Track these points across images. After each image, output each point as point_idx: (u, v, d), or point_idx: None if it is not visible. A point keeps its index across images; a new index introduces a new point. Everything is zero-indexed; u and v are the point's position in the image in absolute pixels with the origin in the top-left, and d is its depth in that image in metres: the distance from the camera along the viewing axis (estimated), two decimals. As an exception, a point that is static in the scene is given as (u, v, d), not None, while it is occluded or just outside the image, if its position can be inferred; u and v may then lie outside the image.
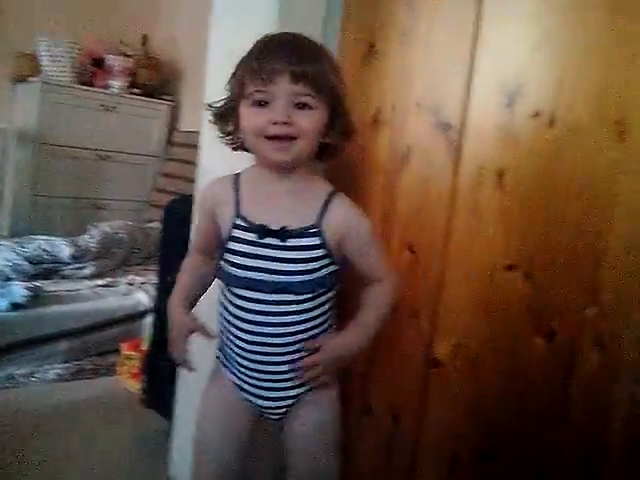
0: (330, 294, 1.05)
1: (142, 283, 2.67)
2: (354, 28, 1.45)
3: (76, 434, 1.80)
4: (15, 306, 2.19)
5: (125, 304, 2.49)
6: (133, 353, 2.17)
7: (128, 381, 2.14)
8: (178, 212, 1.77)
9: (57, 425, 1.85)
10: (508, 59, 1.20)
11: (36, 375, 2.16)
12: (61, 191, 3.57)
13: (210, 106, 1.02)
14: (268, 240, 0.96)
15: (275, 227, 0.96)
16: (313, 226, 0.98)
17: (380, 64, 1.42)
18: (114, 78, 3.68)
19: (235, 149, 1.04)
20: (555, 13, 1.13)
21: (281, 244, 0.96)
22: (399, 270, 1.37)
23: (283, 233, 0.96)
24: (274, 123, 0.92)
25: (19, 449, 1.68)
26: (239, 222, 0.98)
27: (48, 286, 2.44)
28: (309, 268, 0.97)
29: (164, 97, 3.93)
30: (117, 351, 2.28)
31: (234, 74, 0.98)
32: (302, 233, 0.97)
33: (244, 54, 0.98)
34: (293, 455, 1.07)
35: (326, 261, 0.99)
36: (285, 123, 0.92)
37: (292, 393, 1.04)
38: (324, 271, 1.00)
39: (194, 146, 3.35)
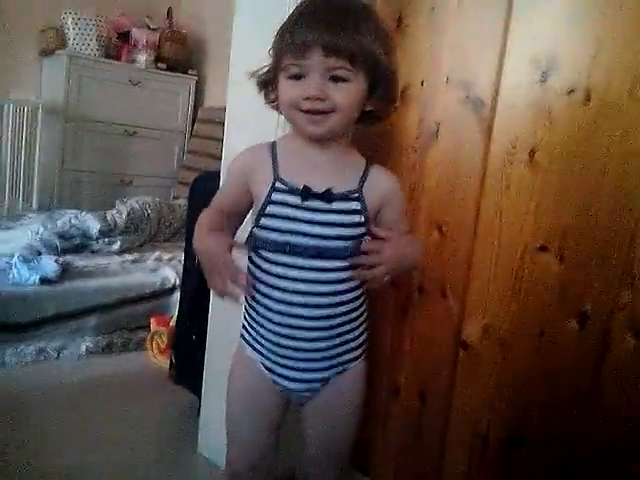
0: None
1: (169, 259, 2.69)
2: (383, 2, 1.41)
3: (106, 408, 1.84)
4: (45, 280, 2.23)
5: (153, 280, 2.51)
6: (161, 329, 2.20)
7: (157, 356, 2.18)
8: (204, 188, 1.77)
9: (87, 398, 1.89)
10: (541, 33, 1.15)
11: (67, 349, 2.20)
12: (88, 166, 3.61)
13: (253, 74, 0.99)
14: (311, 203, 0.93)
15: (318, 190, 0.94)
16: (355, 191, 0.97)
17: (409, 39, 1.38)
18: (140, 52, 3.67)
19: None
20: (594, -16, 1.08)
21: (324, 207, 0.94)
22: (428, 250, 1.35)
23: (328, 195, 0.94)
24: (307, 98, 0.90)
25: (51, 422, 1.71)
26: (279, 185, 0.95)
27: (77, 261, 2.47)
28: (348, 234, 0.95)
29: (189, 72, 3.91)
30: (146, 326, 2.31)
31: (273, 44, 0.95)
32: (345, 197, 0.96)
33: (273, 26, 0.94)
34: (313, 427, 1.06)
35: (363, 229, 0.97)
36: (318, 99, 0.90)
37: (323, 375, 1.01)
38: (360, 239, 0.97)
39: (218, 123, 3.37)
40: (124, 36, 3.71)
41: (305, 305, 0.95)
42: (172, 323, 2.14)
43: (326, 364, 1.00)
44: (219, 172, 1.47)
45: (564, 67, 1.12)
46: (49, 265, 2.27)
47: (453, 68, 1.30)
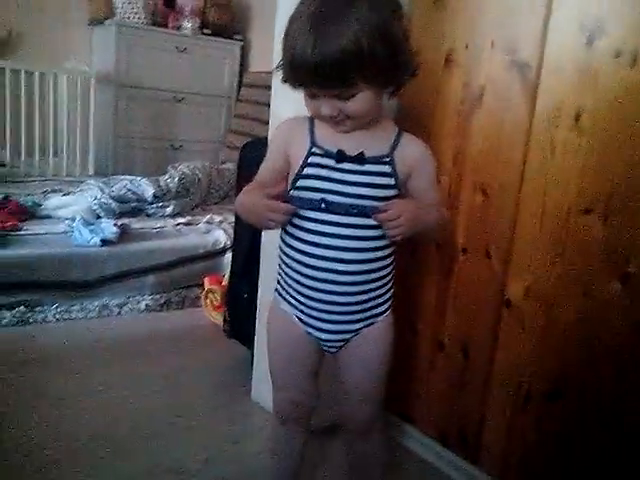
0: None
1: (220, 222, 2.79)
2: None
3: (165, 359, 1.97)
4: (106, 242, 2.37)
5: (205, 241, 2.63)
6: (215, 287, 2.31)
7: (211, 313, 2.30)
8: (252, 153, 1.84)
9: (148, 350, 2.03)
10: (589, -5, 1.16)
11: (128, 305, 2.35)
12: (139, 132, 3.73)
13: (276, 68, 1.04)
14: (345, 165, 1.01)
15: (352, 153, 1.01)
16: (386, 155, 1.03)
17: (453, 3, 1.39)
18: (185, 19, 3.73)
19: None
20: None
21: (357, 168, 1.00)
22: (472, 213, 1.40)
23: (361, 158, 1.01)
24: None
25: (115, 372, 1.86)
26: (315, 150, 1.03)
27: (134, 224, 2.60)
28: (379, 195, 1.01)
29: (234, 37, 3.95)
30: (200, 285, 2.44)
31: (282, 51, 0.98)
32: (377, 160, 1.02)
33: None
34: (347, 373, 1.13)
35: (393, 191, 1.03)
36: (332, 116, 0.98)
37: (354, 327, 1.08)
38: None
39: (264, 87, 3.42)
40: (170, 3, 3.77)
41: (339, 260, 1.01)
42: (224, 282, 2.25)
43: (356, 317, 1.07)
44: (267, 138, 1.53)
45: (610, 30, 1.12)
46: (109, 228, 2.41)
47: (498, 32, 1.31)
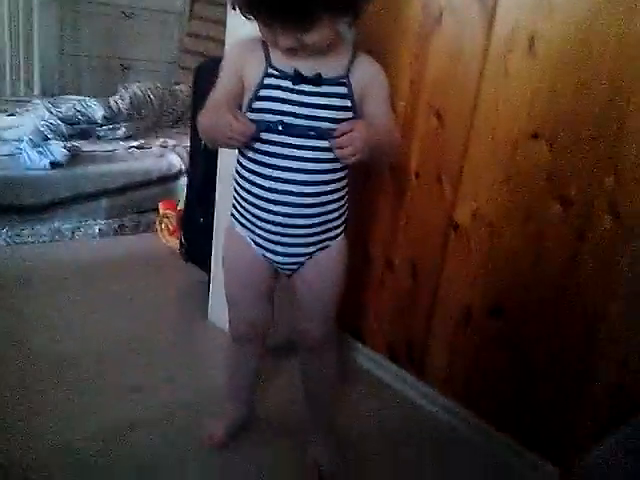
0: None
1: (174, 146, 2.73)
2: None
3: (120, 283, 1.97)
4: (56, 165, 2.29)
5: (159, 165, 2.57)
6: (170, 212, 2.30)
7: (166, 237, 2.29)
8: (208, 75, 1.79)
9: (102, 275, 2.03)
10: None
11: (80, 230, 2.31)
12: (88, 50, 3.54)
13: None
14: (302, 87, 1.00)
15: (309, 75, 1.00)
16: (343, 77, 1.02)
17: None
18: None
19: None
20: None
21: (314, 90, 1.00)
22: (426, 137, 1.41)
23: (318, 79, 1.00)
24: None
25: (67, 297, 1.85)
26: (271, 71, 1.01)
27: (84, 146, 2.52)
28: (337, 117, 1.01)
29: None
30: (155, 210, 2.42)
31: None
32: (333, 81, 1.02)
33: None
34: (301, 294, 1.17)
35: (349, 114, 1.02)
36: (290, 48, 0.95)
37: (308, 250, 1.11)
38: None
39: (219, 4, 3.26)
40: None
41: (294, 182, 1.03)
42: (179, 207, 2.24)
43: (310, 240, 1.09)
44: (222, 58, 1.49)
45: (568, -47, 1.12)
46: (58, 150, 2.32)
47: (459, -49, 1.29)
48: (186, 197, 2.01)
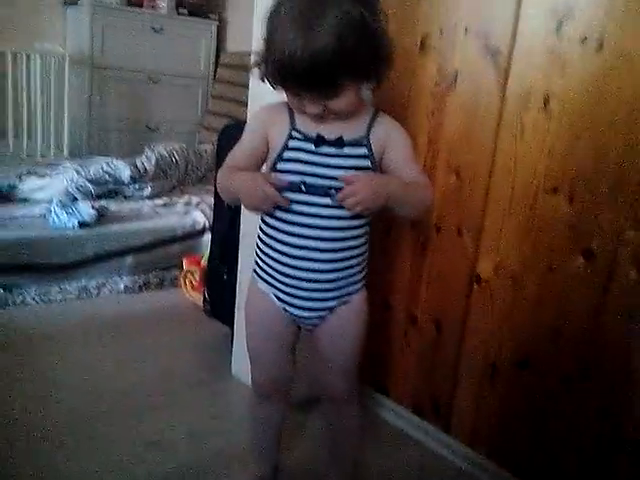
0: (369, 217, 1.10)
1: (198, 203, 2.81)
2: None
3: (145, 339, 1.99)
4: (83, 224, 2.37)
5: (184, 222, 2.64)
6: (193, 267, 2.34)
7: (190, 293, 2.32)
8: (232, 136, 1.86)
9: (127, 331, 2.05)
10: (558, -18, 1.20)
11: (106, 287, 2.36)
12: (115, 114, 3.70)
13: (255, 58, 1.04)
14: (324, 149, 1.04)
15: (331, 138, 1.04)
16: (364, 137, 1.06)
17: (430, -12, 1.43)
18: (161, -2, 3.70)
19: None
20: None
21: (336, 152, 1.04)
22: (445, 193, 1.44)
23: (339, 142, 1.04)
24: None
25: (94, 352, 1.88)
26: (295, 134, 1.06)
27: (111, 206, 2.60)
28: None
29: (210, 17, 3.92)
30: (179, 266, 2.46)
31: (264, 43, 0.99)
32: (354, 143, 1.06)
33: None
34: (323, 348, 1.17)
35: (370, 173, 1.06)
36: (317, 114, 1.00)
37: (329, 304, 1.12)
38: None
39: (241, 67, 3.41)
40: (145, -18, 3.73)
41: (315, 238, 1.05)
42: (203, 262, 2.28)
43: (332, 294, 1.11)
44: (246, 121, 1.55)
45: (578, 16, 1.17)
46: (86, 210, 2.41)
47: (471, 17, 1.35)
48: (210, 253, 2.05)
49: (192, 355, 1.94)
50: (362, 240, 1.11)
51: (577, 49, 1.18)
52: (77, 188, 2.60)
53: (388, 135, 1.08)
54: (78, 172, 2.66)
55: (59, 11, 3.72)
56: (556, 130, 1.23)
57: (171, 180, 2.99)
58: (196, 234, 2.65)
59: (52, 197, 2.49)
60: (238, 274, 1.73)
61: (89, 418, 1.52)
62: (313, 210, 1.04)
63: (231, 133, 1.89)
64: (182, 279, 2.37)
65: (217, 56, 3.95)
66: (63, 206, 2.41)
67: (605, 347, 1.19)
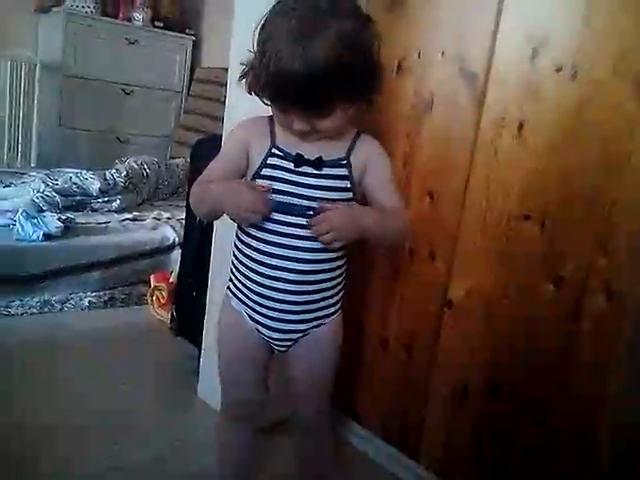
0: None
1: (168, 218, 2.76)
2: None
3: (108, 357, 1.93)
4: (48, 236, 2.30)
5: (153, 238, 2.59)
6: (161, 284, 2.29)
7: (157, 310, 2.27)
8: (205, 151, 1.83)
9: (90, 348, 1.98)
10: (534, 12, 1.22)
11: (70, 302, 2.29)
12: (85, 124, 3.63)
13: (243, 70, 1.02)
14: (304, 169, 1.02)
15: (310, 157, 1.02)
16: (343, 158, 1.04)
17: (406, 12, 1.44)
18: (137, 10, 3.67)
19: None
20: (585, -33, 1.14)
21: (315, 172, 1.02)
22: (419, 216, 1.44)
23: (319, 162, 1.02)
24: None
25: (54, 369, 1.81)
26: (275, 151, 1.04)
27: (79, 218, 2.53)
28: (335, 198, 1.03)
29: (186, 32, 3.91)
30: (146, 282, 2.40)
31: (255, 53, 0.96)
32: (334, 164, 1.04)
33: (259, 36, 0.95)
34: (295, 371, 1.15)
35: (348, 194, 1.04)
36: (303, 131, 0.99)
37: (303, 327, 1.09)
38: (347, 203, 1.04)
39: (216, 83, 3.39)
40: (121, -7, 3.70)
41: (291, 259, 1.03)
42: (172, 279, 2.23)
43: (306, 317, 1.09)
44: (220, 135, 1.53)
45: (553, 45, 1.18)
46: (52, 222, 2.34)
47: (449, 41, 1.36)
48: (179, 270, 2.01)
49: (157, 375, 1.89)
50: (338, 263, 1.09)
51: (552, 77, 1.19)
52: (43, 198, 2.53)
53: (369, 157, 1.07)
54: (45, 182, 2.60)
55: (31, 18, 3.65)
56: (529, 157, 1.24)
57: (141, 194, 2.94)
58: (165, 250, 2.60)
59: (17, 207, 2.42)
60: (208, 292, 1.70)
61: (47, 440, 1.46)
62: (289, 230, 1.02)
63: (205, 147, 1.87)
64: (149, 296, 2.32)
65: (192, 71, 3.92)
66: (29, 217, 2.34)
67: (575, 373, 1.19)
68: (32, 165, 3.50)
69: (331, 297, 1.10)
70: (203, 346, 1.74)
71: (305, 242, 1.03)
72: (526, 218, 1.25)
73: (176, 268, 2.12)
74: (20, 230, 2.27)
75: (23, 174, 2.83)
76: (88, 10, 3.49)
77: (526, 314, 1.26)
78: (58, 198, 2.57)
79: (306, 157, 1.02)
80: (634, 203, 1.10)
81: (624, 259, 1.11)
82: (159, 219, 2.75)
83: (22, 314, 2.16)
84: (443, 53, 1.37)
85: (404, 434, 1.51)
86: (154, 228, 2.67)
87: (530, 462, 1.27)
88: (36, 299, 2.24)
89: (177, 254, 2.41)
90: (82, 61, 3.51)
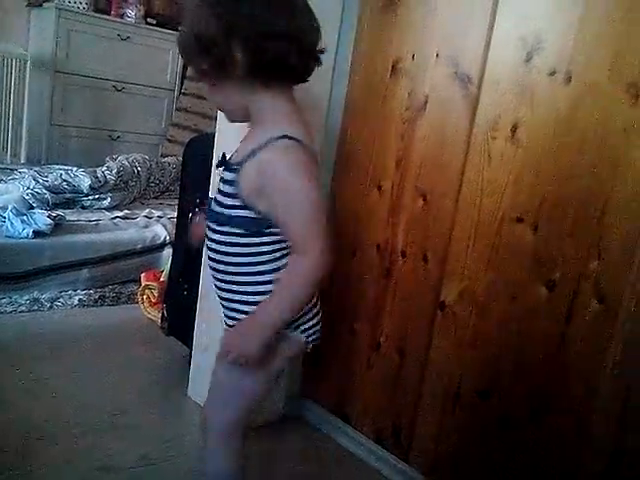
0: (265, 240, 0.97)
1: (159, 217, 2.75)
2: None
3: (98, 356, 1.92)
4: (37, 234, 2.28)
5: (144, 236, 2.57)
6: (152, 283, 2.27)
7: (148, 309, 2.25)
8: (198, 150, 1.83)
9: (80, 347, 1.96)
10: (529, 14, 1.22)
11: (60, 300, 2.27)
12: (76, 121, 3.61)
13: None
14: (221, 171, 1.01)
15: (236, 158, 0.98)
16: (240, 162, 0.95)
17: (401, 13, 1.43)
18: (129, 7, 3.65)
19: None
20: (580, -29, 1.14)
21: (222, 175, 1.00)
22: (412, 217, 1.44)
23: (224, 162, 1.00)
24: None
25: (44, 368, 1.79)
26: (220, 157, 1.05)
27: (69, 215, 2.52)
28: (228, 203, 0.96)
29: (179, 29, 3.88)
30: (137, 281, 2.38)
31: None
32: (230, 166, 0.97)
33: None
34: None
35: (237, 201, 0.95)
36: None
37: (227, 321, 1.06)
38: (235, 212, 0.96)
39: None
40: (114, -11, 3.68)
41: (215, 261, 1.03)
42: (162, 278, 2.22)
43: (227, 313, 1.06)
44: (213, 134, 1.52)
45: (547, 49, 1.19)
46: (42, 219, 2.32)
47: (443, 43, 1.36)
48: (170, 269, 2.00)
49: (146, 375, 1.87)
50: (248, 269, 1.00)
51: (546, 80, 1.19)
52: (34, 195, 2.51)
53: (261, 177, 0.92)
54: (35, 179, 2.58)
55: (23, 13, 3.61)
56: (522, 159, 1.24)
57: (132, 192, 2.92)
58: (156, 248, 2.58)
59: (7, 204, 2.39)
60: (200, 292, 1.69)
61: (37, 439, 1.44)
62: (211, 235, 1.02)
63: (198, 146, 1.86)
64: (140, 295, 2.30)
65: (184, 68, 3.90)
66: (18, 213, 2.32)
67: (567, 377, 1.19)
68: (22, 162, 3.47)
69: (243, 303, 1.02)
70: (194, 344, 1.73)
71: (219, 246, 1.01)
72: (519, 220, 1.25)
73: (167, 267, 2.11)
74: (9, 227, 2.26)
75: (13, 170, 2.81)
76: (80, 6, 3.47)
77: (518, 316, 1.26)
78: (48, 195, 2.55)
79: (228, 158, 1.00)
80: (627, 206, 1.10)
81: (617, 262, 1.12)
82: (150, 217, 2.74)
83: (11, 312, 2.14)
84: (437, 55, 1.37)
85: (396, 436, 1.51)
86: (145, 226, 2.65)
87: (521, 464, 1.27)
88: (25, 297, 2.22)
89: (168, 253, 2.40)
90: (74, 57, 3.49)
